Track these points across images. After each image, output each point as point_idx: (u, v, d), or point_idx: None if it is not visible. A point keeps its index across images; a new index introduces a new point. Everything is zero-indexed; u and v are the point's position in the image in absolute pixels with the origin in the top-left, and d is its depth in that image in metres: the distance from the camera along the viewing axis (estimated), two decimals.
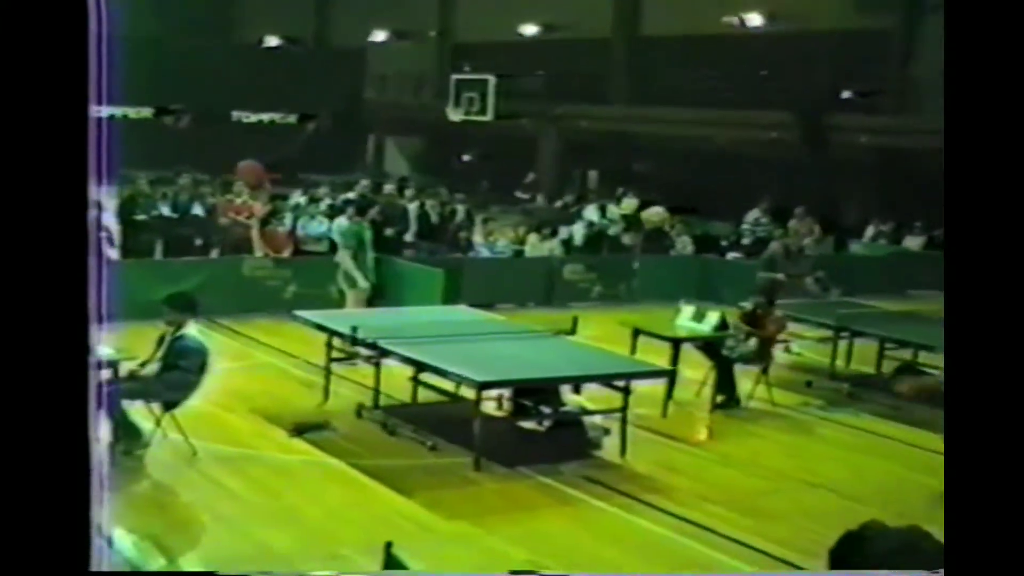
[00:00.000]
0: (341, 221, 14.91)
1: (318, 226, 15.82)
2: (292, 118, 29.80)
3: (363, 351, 10.04)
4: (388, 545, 6.38)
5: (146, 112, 25.86)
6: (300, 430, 9.22)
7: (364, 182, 18.79)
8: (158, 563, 6.36)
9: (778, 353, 12.15)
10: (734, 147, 26.59)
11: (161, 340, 8.62)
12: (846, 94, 24.81)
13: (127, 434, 8.20)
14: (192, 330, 8.65)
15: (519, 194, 26.67)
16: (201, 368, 8.59)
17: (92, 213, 3.17)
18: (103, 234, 11.46)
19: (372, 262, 13.97)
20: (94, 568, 3.14)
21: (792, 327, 12.82)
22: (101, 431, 3.45)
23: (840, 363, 12.48)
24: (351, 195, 17.20)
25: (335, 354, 10.37)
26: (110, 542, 3.34)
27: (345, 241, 14.15)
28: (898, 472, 9.20)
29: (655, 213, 19.51)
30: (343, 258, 14.06)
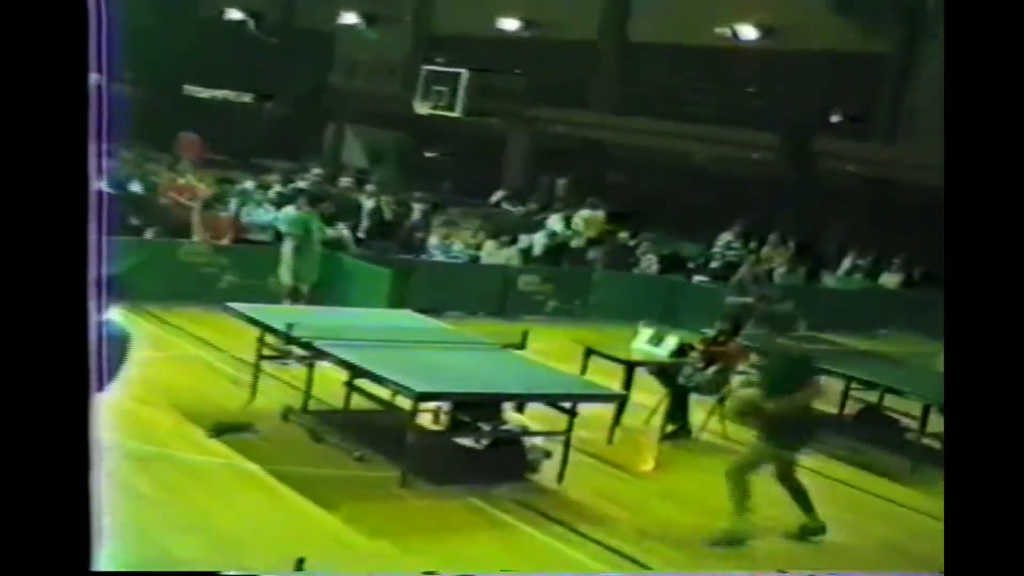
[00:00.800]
0: (288, 210, 14.83)
1: (264, 214, 15.71)
2: (247, 97, 29.65)
3: (296, 350, 9.94)
4: (300, 561, 6.30)
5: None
6: (220, 430, 9.10)
7: (316, 171, 18.68)
8: None
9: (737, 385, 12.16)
10: (713, 165, 26.69)
11: None
12: (835, 118, 24.96)
13: None
14: (114, 315, 8.51)
15: (505, 206, 26.41)
16: (121, 357, 8.44)
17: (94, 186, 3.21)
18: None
19: (317, 256, 13.87)
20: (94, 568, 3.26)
21: (754, 359, 12.83)
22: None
23: None
24: (302, 184, 17.11)
25: (266, 351, 10.26)
26: None
27: (290, 230, 14.05)
28: (850, 519, 9.20)
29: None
30: (293, 249, 13.95)
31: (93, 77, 3.22)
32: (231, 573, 6.02)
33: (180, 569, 6.57)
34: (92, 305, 3.23)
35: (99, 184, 3.28)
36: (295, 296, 13.05)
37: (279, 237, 14.72)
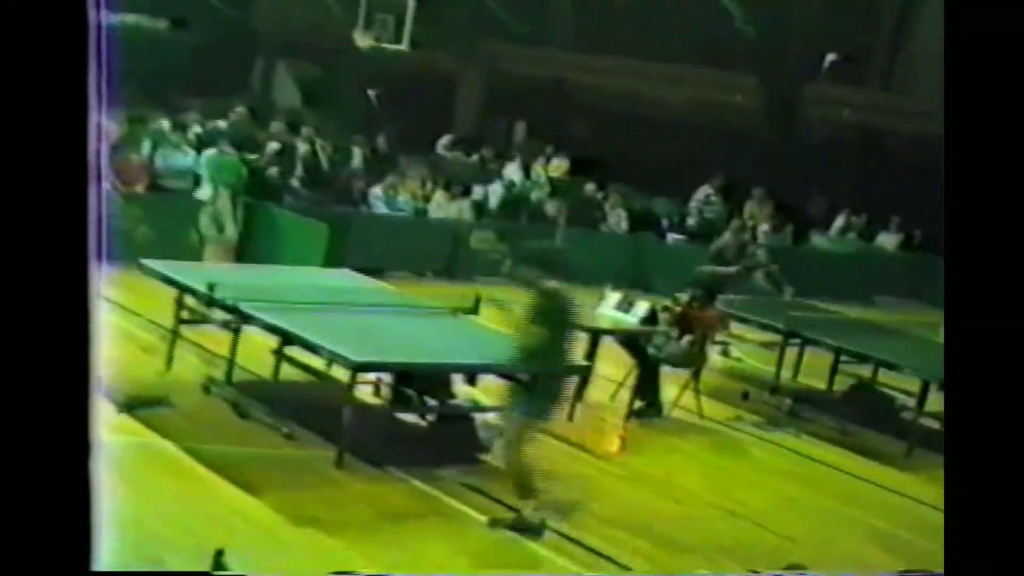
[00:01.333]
0: (210, 153, 14.73)
1: (183, 158, 15.59)
2: (161, 23, 29.15)
3: (219, 314, 9.89)
4: (219, 553, 6.30)
5: None
6: (131, 405, 9.05)
7: (239, 109, 18.51)
8: None
9: (715, 357, 12.25)
10: (691, 110, 26.70)
11: None
12: (829, 58, 24.97)
13: None
14: None
15: (456, 153, 26.05)
16: None
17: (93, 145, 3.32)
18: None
19: (242, 207, 13.80)
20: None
21: (734, 328, 12.93)
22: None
23: (785, 374, 12.60)
24: (222, 123, 16.99)
25: (185, 315, 10.20)
26: None
27: (217, 176, 13.96)
28: (835, 507, 9.32)
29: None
30: (216, 198, 13.85)
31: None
32: (229, 572, 6.03)
33: None
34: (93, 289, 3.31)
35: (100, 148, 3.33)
36: (222, 250, 12.99)
37: (198, 184, 14.66)
